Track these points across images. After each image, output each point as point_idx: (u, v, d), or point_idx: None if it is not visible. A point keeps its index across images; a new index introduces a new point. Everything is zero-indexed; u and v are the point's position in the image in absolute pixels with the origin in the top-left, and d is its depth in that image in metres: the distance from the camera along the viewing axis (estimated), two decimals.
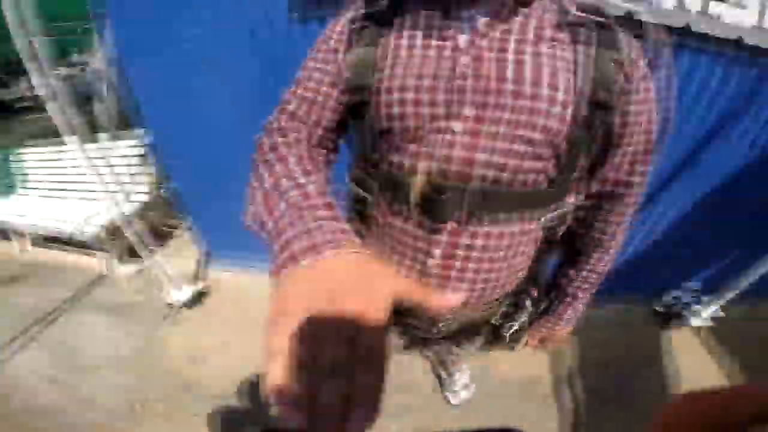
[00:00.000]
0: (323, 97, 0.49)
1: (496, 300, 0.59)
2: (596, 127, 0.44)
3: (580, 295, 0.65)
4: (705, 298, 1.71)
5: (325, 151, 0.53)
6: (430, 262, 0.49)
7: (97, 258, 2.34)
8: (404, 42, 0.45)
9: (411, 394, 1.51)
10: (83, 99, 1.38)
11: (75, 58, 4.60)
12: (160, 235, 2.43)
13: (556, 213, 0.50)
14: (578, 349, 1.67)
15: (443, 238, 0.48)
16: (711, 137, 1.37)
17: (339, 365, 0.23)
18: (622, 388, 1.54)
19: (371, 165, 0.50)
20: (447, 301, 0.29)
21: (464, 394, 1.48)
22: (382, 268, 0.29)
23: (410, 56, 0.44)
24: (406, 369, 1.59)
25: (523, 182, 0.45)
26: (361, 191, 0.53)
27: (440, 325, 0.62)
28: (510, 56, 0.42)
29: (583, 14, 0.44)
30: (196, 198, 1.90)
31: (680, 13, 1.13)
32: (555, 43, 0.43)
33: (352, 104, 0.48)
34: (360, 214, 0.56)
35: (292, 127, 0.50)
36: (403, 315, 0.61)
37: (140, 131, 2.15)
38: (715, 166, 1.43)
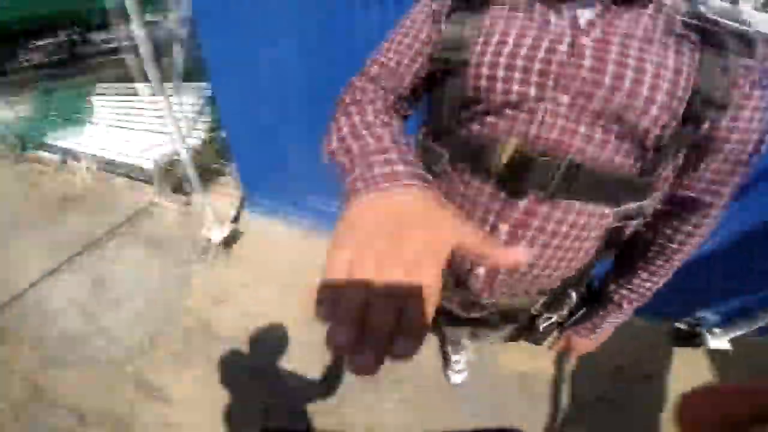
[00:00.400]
0: (406, 66, 0.51)
1: (547, 291, 0.58)
2: (702, 130, 0.44)
3: (625, 305, 0.61)
4: (728, 323, 1.65)
5: (396, 115, 0.52)
6: (502, 228, 0.48)
7: (148, 190, 2.54)
8: (518, 10, 0.45)
9: (414, 368, 1.55)
10: (156, 51, 1.52)
11: (148, 17, 5.05)
12: (207, 176, 2.58)
13: (635, 205, 0.48)
14: (586, 353, 1.65)
15: (520, 207, 0.47)
16: None
17: (392, 292, 0.23)
18: (625, 396, 1.50)
19: (446, 132, 0.50)
20: (515, 254, 0.28)
21: (464, 376, 1.52)
22: (453, 213, 0.29)
23: (524, 24, 0.44)
24: None
25: (615, 167, 0.45)
26: (437, 148, 0.52)
27: (484, 302, 0.58)
28: (633, 46, 0.42)
29: (698, 21, 0.44)
30: (242, 147, 2.04)
31: None
32: (681, 39, 0.43)
33: (445, 63, 0.48)
34: (430, 171, 0.53)
35: (372, 89, 0.51)
36: (448, 290, 0.59)
37: (202, 84, 2.38)
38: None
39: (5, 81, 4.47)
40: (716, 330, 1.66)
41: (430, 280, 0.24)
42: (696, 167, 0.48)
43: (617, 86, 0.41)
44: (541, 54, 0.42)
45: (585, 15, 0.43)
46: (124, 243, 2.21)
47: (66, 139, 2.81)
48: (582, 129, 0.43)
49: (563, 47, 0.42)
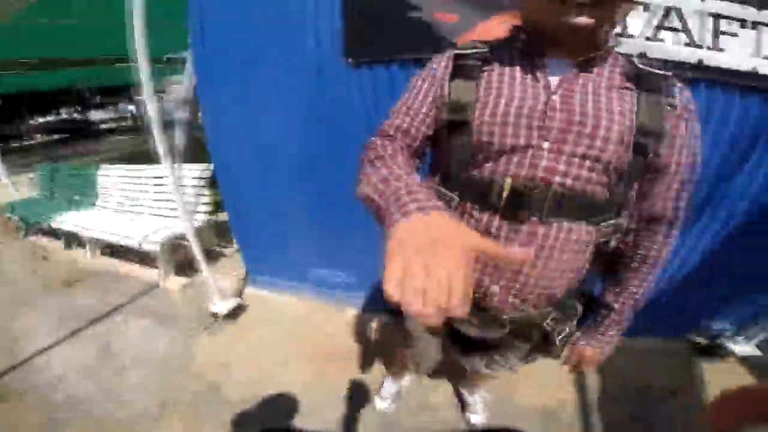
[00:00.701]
0: (424, 116, 0.62)
1: (554, 300, 0.66)
2: (644, 159, 0.57)
3: (626, 311, 0.71)
4: (746, 331, 1.71)
5: (416, 159, 0.65)
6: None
7: (153, 270, 2.63)
8: (504, 78, 0.58)
9: (434, 413, 1.58)
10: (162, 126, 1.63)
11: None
12: (211, 254, 2.76)
13: (612, 222, 0.61)
14: (605, 377, 1.67)
15: (523, 231, 0.58)
16: (734, 170, 1.46)
17: (442, 280, 0.32)
18: (654, 413, 1.51)
19: (455, 177, 0.62)
20: (521, 254, 0.39)
21: (485, 416, 1.52)
22: (470, 229, 0.39)
23: (511, 89, 0.57)
24: (431, 391, 1.68)
25: (590, 193, 0.57)
26: (447, 192, 0.63)
27: (503, 318, 0.66)
28: (589, 99, 0.55)
29: (647, 67, 0.58)
30: (245, 227, 2.17)
31: (693, 49, 1.29)
32: (623, 89, 0.57)
33: (450, 123, 0.60)
34: None
35: (398, 138, 0.63)
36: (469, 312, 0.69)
37: (201, 165, 2.54)
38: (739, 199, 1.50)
39: (9, 159, 4.68)
40: (738, 337, 1.73)
41: (463, 279, 0.32)
42: (651, 188, 0.62)
43: (581, 131, 0.55)
44: (525, 111, 0.55)
45: (554, 79, 0.57)
46: (132, 317, 2.26)
47: (71, 221, 2.92)
48: (561, 166, 0.56)
49: (540, 105, 0.56)
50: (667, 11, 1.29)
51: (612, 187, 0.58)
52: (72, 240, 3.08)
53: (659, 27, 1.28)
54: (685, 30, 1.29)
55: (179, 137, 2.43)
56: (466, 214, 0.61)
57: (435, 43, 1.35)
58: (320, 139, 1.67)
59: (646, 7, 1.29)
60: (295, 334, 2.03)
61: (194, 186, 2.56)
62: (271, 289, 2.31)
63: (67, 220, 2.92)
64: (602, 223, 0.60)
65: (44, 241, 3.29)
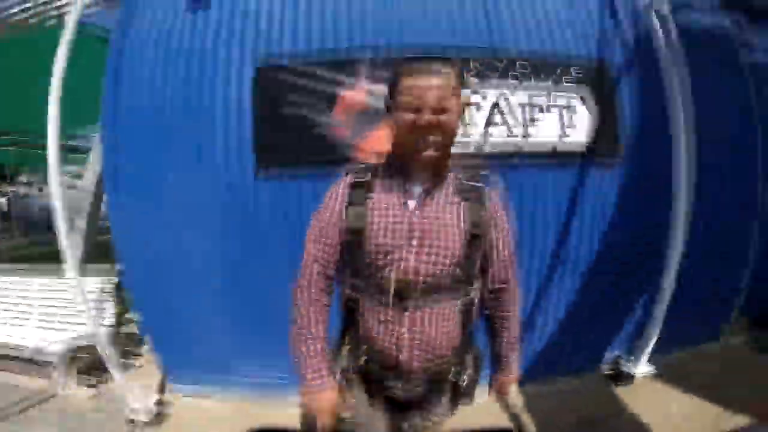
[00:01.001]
0: (333, 245, 0.82)
1: (446, 356, 0.85)
2: (477, 249, 0.80)
3: (511, 353, 0.95)
4: (637, 352, 2.07)
5: (331, 281, 0.85)
6: (402, 333, 0.79)
7: (52, 378, 2.25)
8: (381, 203, 0.79)
9: None
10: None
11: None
12: (125, 360, 2.45)
13: (467, 297, 0.83)
14: (536, 419, 1.83)
15: (407, 316, 0.79)
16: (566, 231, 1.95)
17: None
18: None
19: (359, 278, 0.82)
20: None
21: None
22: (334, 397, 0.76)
23: (385, 212, 0.78)
24: None
25: (446, 281, 0.78)
26: (354, 294, 0.84)
27: (413, 378, 0.84)
28: (436, 216, 0.78)
29: (468, 182, 0.82)
30: (157, 327, 2.06)
31: (509, 140, 1.81)
32: (454, 202, 0.79)
33: (350, 242, 0.80)
34: (350, 309, 0.86)
35: (315, 271, 0.83)
36: (384, 376, 0.86)
37: (106, 266, 2.38)
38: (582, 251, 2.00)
39: None
40: (633, 360, 2.07)
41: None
42: (489, 266, 0.86)
43: (431, 243, 0.77)
44: (398, 232, 0.77)
45: (411, 204, 0.79)
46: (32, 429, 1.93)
47: None
48: (422, 267, 0.77)
49: (406, 225, 0.77)
50: (493, 107, 1.84)
51: (461, 274, 0.80)
52: None
53: (488, 123, 1.81)
54: (505, 123, 1.84)
55: (83, 236, 2.30)
56: (371, 309, 0.82)
57: (334, 155, 1.64)
58: (233, 242, 1.76)
59: (478, 108, 1.82)
60: None
61: (95, 298, 2.36)
62: (195, 389, 2.13)
63: None
64: (460, 300, 0.83)
65: None
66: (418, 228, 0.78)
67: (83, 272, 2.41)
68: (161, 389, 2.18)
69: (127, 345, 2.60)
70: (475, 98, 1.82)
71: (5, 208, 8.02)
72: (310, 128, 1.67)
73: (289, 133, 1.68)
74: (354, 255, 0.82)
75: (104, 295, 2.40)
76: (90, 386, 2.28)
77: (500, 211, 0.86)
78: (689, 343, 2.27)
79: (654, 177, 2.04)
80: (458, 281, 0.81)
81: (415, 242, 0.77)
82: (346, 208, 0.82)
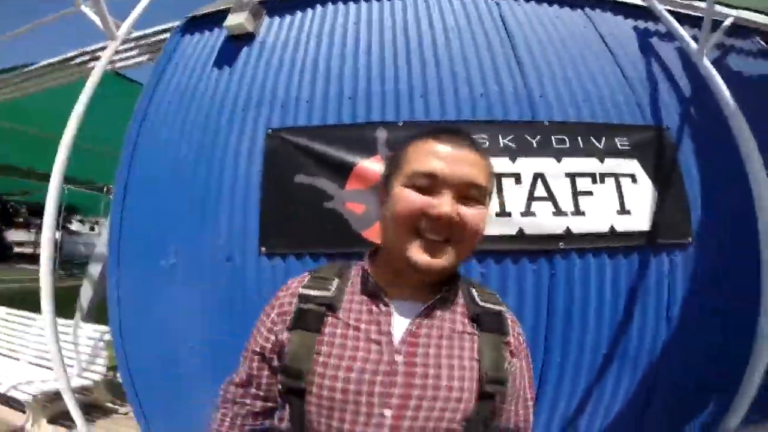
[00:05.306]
0: (265, 378, 0.58)
1: None
2: (494, 404, 0.54)
3: None
4: None
5: (265, 413, 0.60)
6: None
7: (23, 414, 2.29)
8: (345, 332, 0.52)
9: None
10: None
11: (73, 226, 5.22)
12: (105, 410, 2.51)
13: None
14: None
15: None
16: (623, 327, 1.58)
17: None
18: None
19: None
20: None
21: None
22: None
23: (352, 350, 0.51)
24: None
25: None
26: None
27: None
28: (431, 357, 0.51)
29: (486, 304, 0.57)
30: (140, 391, 1.88)
31: (558, 218, 1.50)
32: (465, 332, 0.54)
33: (287, 389, 0.53)
34: None
35: (240, 396, 0.60)
36: None
37: (101, 327, 2.45)
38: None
39: None
40: None
41: None
42: (502, 411, 0.58)
43: (422, 395, 0.49)
44: (367, 376, 0.49)
45: (398, 332, 0.52)
46: None
47: None
48: (410, 423, 0.49)
49: (383, 367, 0.50)
50: (535, 178, 1.57)
51: (463, 428, 0.53)
52: None
53: (530, 198, 1.53)
54: (551, 197, 1.55)
55: (87, 292, 2.29)
56: None
57: (345, 236, 1.45)
58: (227, 320, 1.62)
59: (518, 179, 1.57)
60: None
61: (92, 345, 2.44)
62: None
63: None
64: None
65: None
66: (404, 373, 0.50)
67: (88, 319, 2.39)
68: None
69: (120, 390, 2.44)
70: (512, 168, 1.56)
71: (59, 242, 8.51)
72: (321, 202, 1.49)
73: (298, 206, 1.51)
74: (289, 407, 0.53)
75: (100, 343, 2.42)
76: (66, 428, 2.26)
77: (523, 349, 0.60)
78: None
79: (733, 257, 1.64)
80: None
81: (396, 398, 0.49)
82: (290, 330, 0.54)
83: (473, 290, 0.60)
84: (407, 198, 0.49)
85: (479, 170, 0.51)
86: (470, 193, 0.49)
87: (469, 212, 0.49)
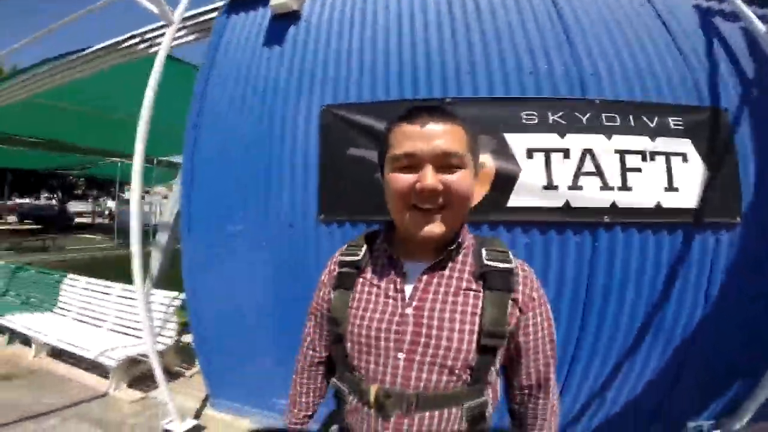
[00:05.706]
0: (323, 328, 0.75)
1: None
2: (497, 354, 0.61)
3: None
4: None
5: (322, 359, 0.78)
6: None
7: (103, 379, 2.46)
8: (370, 290, 0.66)
9: None
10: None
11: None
12: (172, 373, 2.65)
13: (476, 403, 0.62)
14: None
15: (391, 422, 0.61)
16: (663, 300, 1.60)
17: None
18: None
19: (343, 372, 0.69)
20: None
21: None
22: None
23: (374, 304, 0.64)
24: None
25: (443, 389, 0.60)
26: (341, 387, 0.69)
27: None
28: (437, 311, 0.61)
29: (492, 263, 0.63)
30: (209, 351, 2.12)
31: (605, 192, 1.52)
32: (470, 289, 0.61)
33: (332, 333, 0.69)
34: (337, 398, 0.71)
35: (306, 347, 0.79)
36: None
37: (176, 292, 2.58)
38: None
39: None
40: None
41: None
42: (518, 368, 0.66)
43: (428, 342, 0.60)
44: (384, 325, 0.62)
45: (408, 290, 0.63)
46: (67, 422, 2.07)
47: (22, 322, 2.78)
48: (414, 373, 0.60)
49: (397, 318, 0.61)
50: (584, 154, 1.59)
51: (468, 379, 0.61)
52: (17, 337, 2.91)
53: (578, 172, 1.56)
54: (599, 173, 1.57)
55: (156, 260, 2.46)
56: (355, 407, 0.66)
57: None
58: (287, 284, 1.77)
59: (566, 154, 1.61)
60: None
61: (164, 310, 2.58)
62: (233, 413, 2.14)
63: (16, 320, 2.79)
64: (465, 405, 0.62)
65: None
66: (413, 323, 0.61)
67: (158, 285, 2.61)
68: (202, 406, 2.22)
69: (183, 356, 2.76)
70: (560, 144, 1.60)
71: (114, 211, 8.72)
72: (371, 173, 1.57)
73: (351, 177, 1.62)
74: (337, 348, 0.69)
75: (170, 309, 2.60)
76: (142, 391, 2.42)
77: (537, 304, 0.65)
78: None
79: None
80: (467, 388, 0.61)
81: (406, 345, 0.61)
82: (334, 290, 0.70)
83: (483, 249, 0.66)
84: (396, 181, 0.58)
85: (452, 139, 0.57)
86: (448, 161, 0.56)
87: (450, 178, 0.56)
